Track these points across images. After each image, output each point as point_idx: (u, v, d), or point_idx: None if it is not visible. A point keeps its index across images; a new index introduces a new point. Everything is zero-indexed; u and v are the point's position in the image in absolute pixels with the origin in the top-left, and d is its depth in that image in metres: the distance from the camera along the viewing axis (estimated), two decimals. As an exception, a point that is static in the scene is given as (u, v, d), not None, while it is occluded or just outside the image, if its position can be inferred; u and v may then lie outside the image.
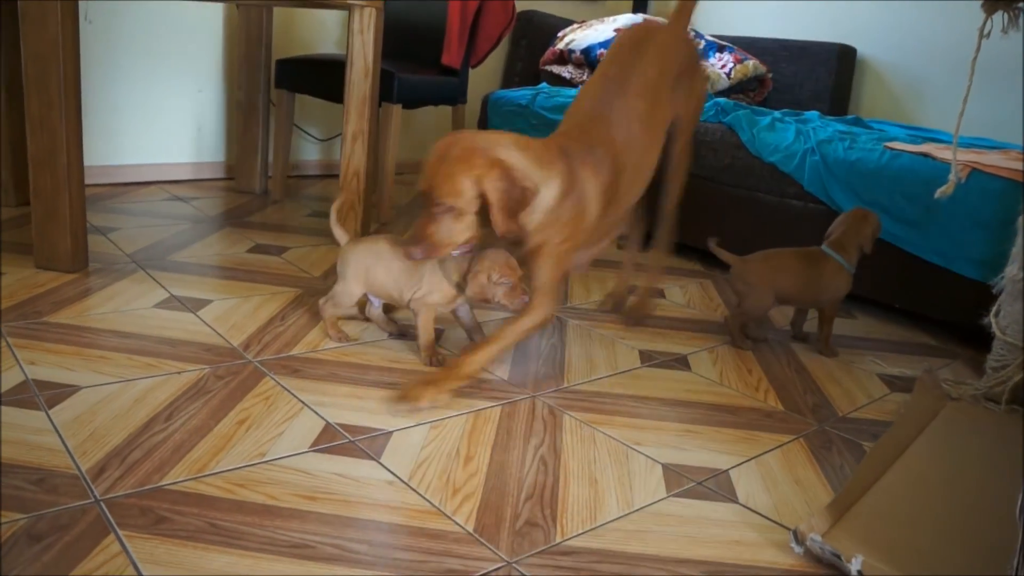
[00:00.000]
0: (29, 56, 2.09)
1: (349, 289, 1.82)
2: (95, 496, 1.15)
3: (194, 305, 1.99)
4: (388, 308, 1.97)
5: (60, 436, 1.30)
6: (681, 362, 1.94)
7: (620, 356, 1.94)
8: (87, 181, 2.48)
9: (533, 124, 3.28)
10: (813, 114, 3.14)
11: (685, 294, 2.51)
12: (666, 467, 1.44)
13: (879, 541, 1.24)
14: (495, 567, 1.11)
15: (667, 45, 1.91)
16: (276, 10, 3.38)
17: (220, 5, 3.37)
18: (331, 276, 2.16)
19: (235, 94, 3.33)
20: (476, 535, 1.18)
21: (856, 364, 2.05)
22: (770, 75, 3.79)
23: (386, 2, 3.20)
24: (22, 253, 2.26)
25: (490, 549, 1.15)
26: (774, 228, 2.62)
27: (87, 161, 2.62)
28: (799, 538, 1.23)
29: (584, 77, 3.78)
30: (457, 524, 1.21)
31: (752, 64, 3.70)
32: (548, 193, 1.64)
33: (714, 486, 1.39)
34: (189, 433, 1.36)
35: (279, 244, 2.60)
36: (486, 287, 1.69)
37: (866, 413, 1.77)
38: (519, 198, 1.57)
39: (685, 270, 2.78)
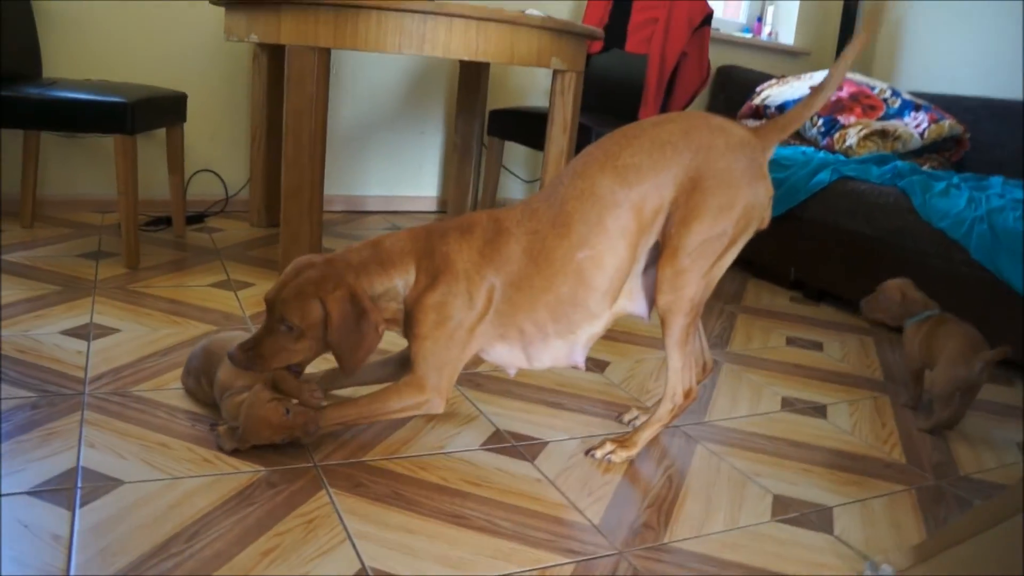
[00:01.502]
0: (290, 110, 2.59)
1: None
2: (317, 464, 1.55)
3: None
4: None
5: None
6: (819, 410, 2.15)
7: (762, 403, 2.17)
8: (325, 208, 2.97)
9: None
10: (997, 179, 3.19)
11: (843, 348, 2.68)
12: (777, 497, 1.68)
13: None
14: (608, 554, 1.41)
15: (705, 144, 1.63)
16: (493, 65, 3.81)
17: (445, 60, 3.84)
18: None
19: (452, 137, 3.79)
20: (598, 528, 1.49)
21: (998, 430, 2.16)
22: (967, 135, 3.81)
23: (589, 58, 3.56)
24: (269, 267, 2.78)
25: (608, 540, 1.45)
26: (942, 292, 2.73)
27: (327, 190, 3.13)
28: (874, 568, 1.44)
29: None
30: (586, 518, 1.52)
31: (948, 124, 3.75)
32: (404, 282, 1.65)
33: (815, 518, 1.62)
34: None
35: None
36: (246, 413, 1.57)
37: (989, 476, 1.90)
38: (360, 325, 1.57)
39: (848, 325, 2.94)
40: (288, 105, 2.59)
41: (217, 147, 3.60)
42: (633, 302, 1.74)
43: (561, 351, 1.71)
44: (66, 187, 3.43)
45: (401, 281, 1.66)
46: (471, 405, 1.94)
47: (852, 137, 3.59)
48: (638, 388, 2.15)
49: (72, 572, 1.24)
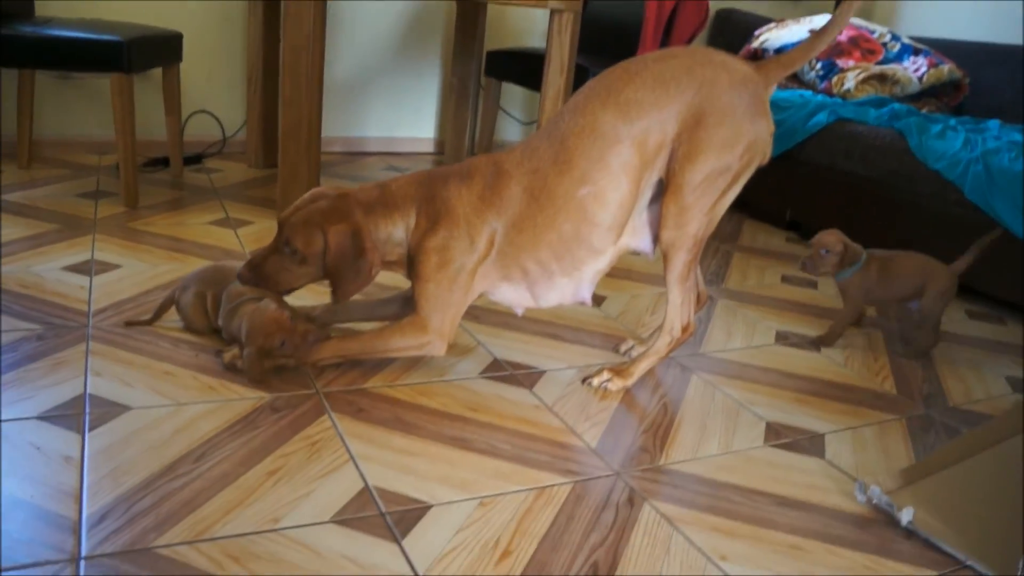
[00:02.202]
0: (287, 47, 2.57)
1: None
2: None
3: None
4: None
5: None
6: (813, 344, 2.18)
7: (757, 337, 2.20)
8: (324, 149, 2.97)
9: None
10: (993, 123, 3.20)
11: (836, 286, 2.70)
12: (769, 424, 1.71)
13: (940, 507, 1.44)
14: (606, 474, 1.45)
15: (706, 79, 1.62)
16: (490, 6, 3.79)
17: (442, 1, 3.81)
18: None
19: (449, 79, 3.77)
20: (596, 451, 1.53)
21: (988, 366, 2.20)
22: (967, 80, 3.81)
23: (587, 2, 3.54)
24: (267, 207, 2.80)
25: (605, 462, 1.49)
26: (935, 234, 2.76)
27: (326, 132, 3.12)
28: (863, 488, 1.48)
29: (777, 75, 3.95)
30: (583, 441, 1.55)
31: (947, 69, 3.74)
32: (406, 224, 1.67)
33: (807, 444, 1.66)
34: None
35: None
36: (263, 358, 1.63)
37: (978, 407, 1.94)
38: (357, 262, 1.62)
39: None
40: (285, 42, 2.58)
41: (213, 88, 3.58)
42: (637, 238, 1.75)
43: (567, 289, 1.73)
44: (63, 128, 3.42)
45: (403, 224, 1.68)
46: (470, 336, 1.97)
47: (850, 81, 3.58)
48: (634, 321, 2.18)
49: (84, 490, 1.27)
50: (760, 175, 2.74)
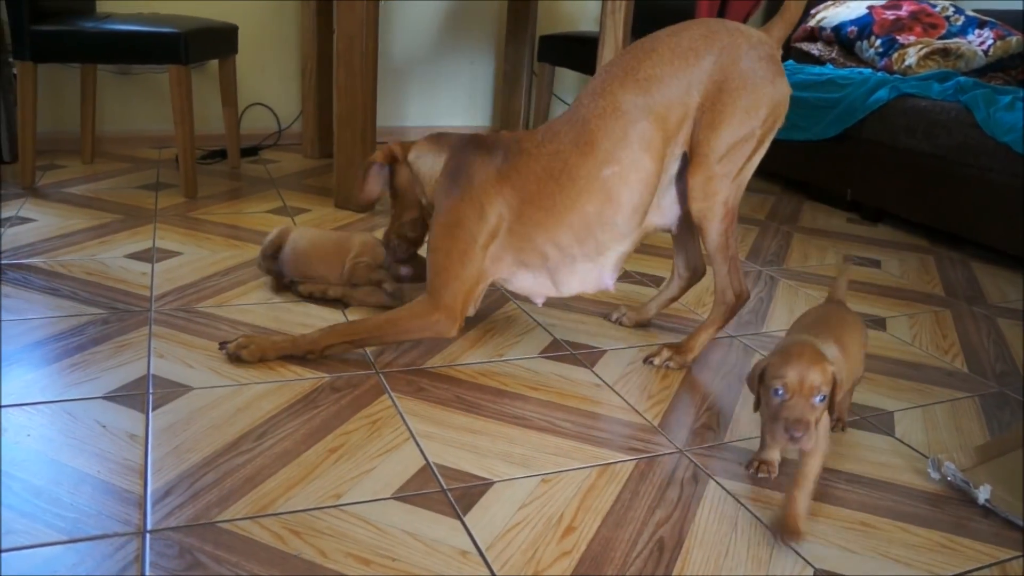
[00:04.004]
0: (341, 36, 2.58)
1: None
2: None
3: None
4: None
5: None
6: (879, 323, 2.12)
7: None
8: (379, 139, 2.97)
9: (774, 99, 3.44)
10: (1065, 95, 3.09)
11: (902, 266, 2.64)
12: (836, 402, 1.67)
13: (1019, 485, 1.39)
14: (669, 452, 1.43)
15: (724, 48, 1.60)
16: (544, -10, 3.76)
17: (496, -14, 3.80)
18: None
19: (503, 66, 3.76)
20: (659, 429, 1.50)
21: (1062, 342, 2.13)
22: (1036, 52, 3.69)
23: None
24: (323, 195, 2.81)
25: (668, 439, 1.47)
26: (1004, 210, 2.68)
27: (380, 121, 3.13)
28: (937, 465, 1.43)
29: (833, 55, 3.87)
30: (646, 419, 1.53)
31: (1015, 40, 3.62)
32: (435, 163, 1.73)
33: (876, 422, 1.61)
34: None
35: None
36: (359, 270, 1.93)
37: (1056, 384, 1.88)
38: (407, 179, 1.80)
39: (908, 244, 2.89)
40: (339, 32, 2.58)
41: (268, 80, 3.61)
42: (663, 216, 1.71)
43: (590, 274, 1.68)
44: (124, 123, 3.48)
45: (435, 158, 1.73)
46: (528, 317, 1.96)
47: (911, 57, 3.49)
48: (694, 301, 2.14)
49: (148, 467, 1.28)
50: (820, 155, 2.69)
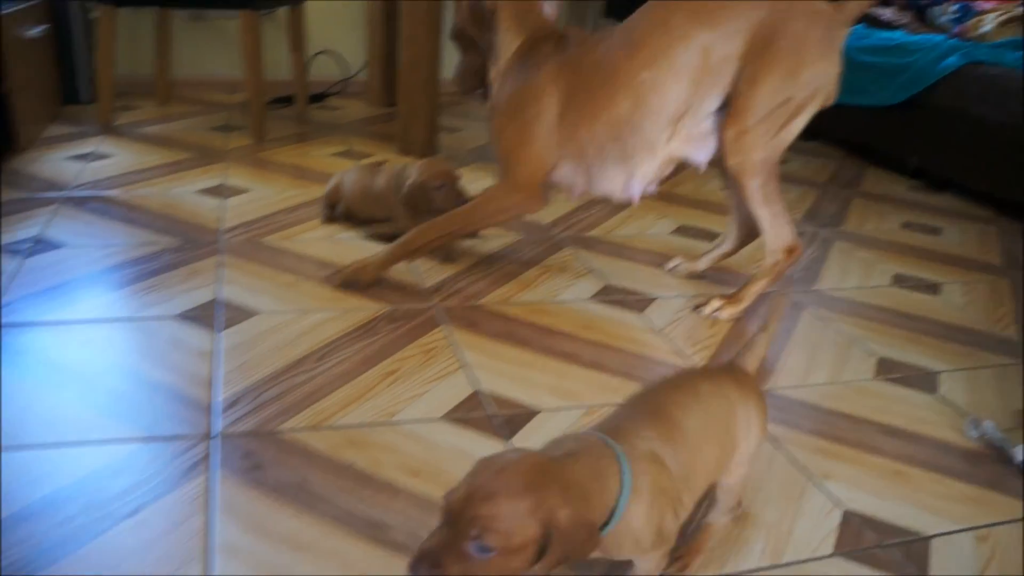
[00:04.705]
0: (410, -16, 2.63)
1: None
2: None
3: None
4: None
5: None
6: (932, 288, 2.13)
7: (873, 278, 2.16)
8: (444, 91, 3.02)
9: (843, 65, 3.41)
10: None
11: (962, 235, 2.62)
12: (882, 359, 1.70)
13: None
14: (712, 393, 1.47)
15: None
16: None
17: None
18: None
19: (567, 20, 3.77)
20: (703, 372, 1.55)
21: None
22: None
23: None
24: (387, 142, 2.88)
25: (711, 383, 1.51)
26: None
27: (445, 72, 3.18)
28: (975, 424, 1.45)
29: (904, 21, 3.80)
30: (692, 363, 1.57)
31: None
32: (510, 43, 1.80)
33: (919, 380, 1.63)
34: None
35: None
36: (421, 194, 1.90)
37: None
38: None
39: (970, 214, 2.86)
40: (408, -20, 2.63)
41: (336, 29, 3.68)
42: (691, 148, 1.74)
43: (618, 178, 1.75)
44: (196, 68, 3.58)
45: (510, 37, 1.79)
46: (582, 263, 2.01)
47: (989, 23, 3.42)
48: (747, 258, 2.16)
49: (217, 380, 1.37)
50: (885, 121, 2.68)
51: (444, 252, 1.94)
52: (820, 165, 3.26)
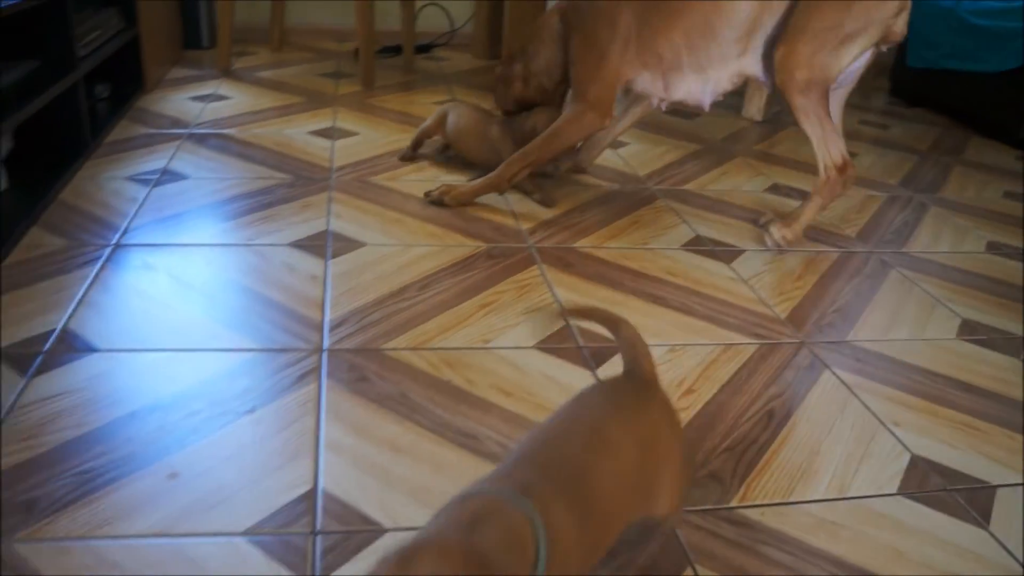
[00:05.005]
0: (521, -63, 2.69)
1: None
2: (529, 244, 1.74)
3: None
4: None
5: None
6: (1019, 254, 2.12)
7: (966, 244, 2.16)
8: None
9: (953, 27, 3.34)
10: None
11: (1065, 206, 2.57)
12: (965, 321, 1.72)
13: None
14: (792, 341, 1.53)
15: None
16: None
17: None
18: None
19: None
20: (785, 321, 1.60)
21: None
22: None
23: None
24: (490, 93, 2.94)
25: (792, 331, 1.56)
26: None
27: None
28: (1056, 383, 1.47)
29: (1024, -15, 3.68)
30: (774, 312, 1.63)
31: None
32: (551, 39, 2.00)
33: (1002, 343, 1.65)
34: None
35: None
36: (529, 131, 2.01)
37: None
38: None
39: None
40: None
41: (446, -18, 3.76)
42: (756, 65, 1.88)
43: (694, 85, 1.90)
44: (308, 16, 3.71)
45: (554, 44, 1.99)
46: (674, 215, 2.07)
47: (1111, -9, 3.30)
48: (840, 218, 2.19)
49: (327, 301, 1.48)
50: (994, 88, 2.65)
51: (543, 196, 2.03)
52: (922, 131, 3.21)
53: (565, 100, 2.10)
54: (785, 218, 1.93)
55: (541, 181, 2.12)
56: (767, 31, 1.83)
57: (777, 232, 1.90)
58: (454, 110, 2.19)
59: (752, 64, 1.87)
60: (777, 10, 1.81)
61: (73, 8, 2.01)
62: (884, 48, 1.84)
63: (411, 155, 2.26)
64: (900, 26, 1.79)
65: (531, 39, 2.05)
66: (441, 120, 2.21)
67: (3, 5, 1.59)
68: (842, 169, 1.86)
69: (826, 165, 1.86)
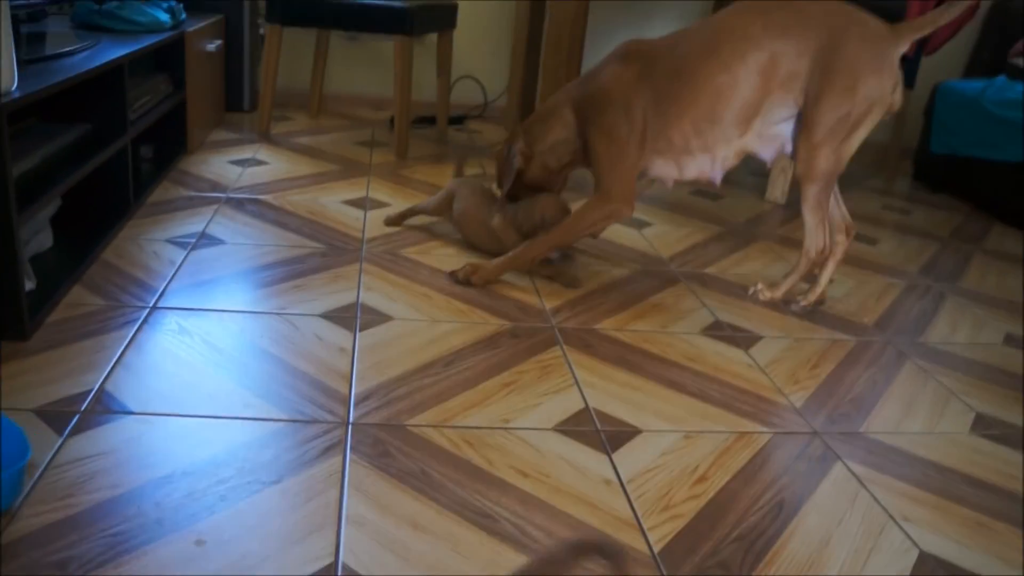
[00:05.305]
0: (553, 22, 2.79)
1: None
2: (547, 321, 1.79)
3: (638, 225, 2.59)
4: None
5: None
6: (1044, 351, 2.14)
7: (983, 335, 2.18)
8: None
9: (977, 117, 3.40)
10: None
11: (1085, 300, 2.59)
12: (980, 415, 1.74)
13: None
14: (805, 431, 1.56)
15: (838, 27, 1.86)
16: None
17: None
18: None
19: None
20: (799, 411, 1.63)
21: None
22: None
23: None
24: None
25: (806, 421, 1.60)
26: None
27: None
28: (1068, 483, 1.49)
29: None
30: (789, 401, 1.66)
31: None
32: (562, 126, 2.10)
33: (1015, 438, 1.66)
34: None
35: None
36: (539, 220, 2.05)
37: None
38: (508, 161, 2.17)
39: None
40: (551, 17, 2.79)
41: (479, 56, 3.88)
42: (762, 145, 2.00)
43: (704, 164, 2.00)
44: (346, 85, 3.83)
45: (562, 127, 2.07)
46: (695, 299, 2.11)
47: None
48: (858, 305, 2.22)
49: (353, 374, 1.53)
50: (1014, 178, 2.70)
51: (568, 278, 2.09)
52: (945, 218, 3.26)
53: (566, 183, 2.22)
54: (768, 284, 2.18)
55: (561, 265, 2.16)
56: (771, 118, 1.95)
57: (762, 295, 2.14)
58: (460, 192, 2.24)
59: (754, 143, 1.99)
60: (784, 98, 1.92)
61: (127, 75, 2.11)
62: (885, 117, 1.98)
63: (398, 222, 2.33)
64: (897, 99, 1.91)
65: (538, 121, 2.12)
66: (447, 201, 2.26)
67: (67, 76, 1.68)
68: (821, 252, 2.08)
69: (811, 249, 2.07)
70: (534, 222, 2.05)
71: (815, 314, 2.12)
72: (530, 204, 2.08)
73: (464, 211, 2.21)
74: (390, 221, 2.33)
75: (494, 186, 2.34)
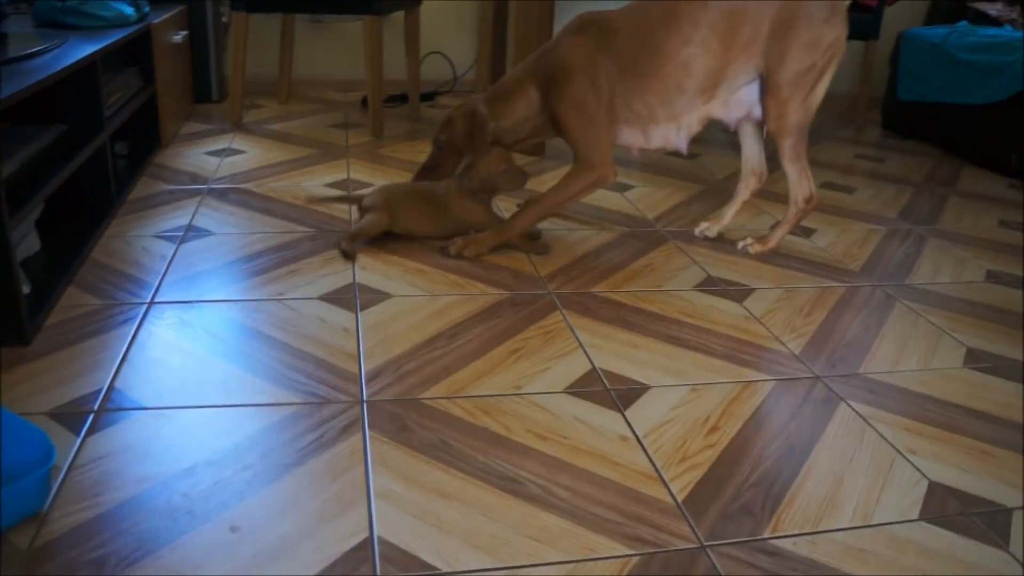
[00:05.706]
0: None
1: None
2: (550, 291, 1.81)
3: (619, 187, 2.61)
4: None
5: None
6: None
7: (966, 274, 2.23)
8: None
9: (942, 62, 3.45)
10: None
11: (1059, 232, 2.65)
12: (971, 349, 1.78)
13: None
14: (807, 376, 1.59)
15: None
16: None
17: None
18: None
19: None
20: (799, 357, 1.67)
21: None
22: None
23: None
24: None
25: (806, 366, 1.63)
26: None
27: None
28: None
29: (1013, 16, 3.80)
30: (788, 348, 1.70)
31: None
32: (526, 103, 2.08)
33: (1009, 370, 1.71)
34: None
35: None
36: (486, 178, 2.04)
37: None
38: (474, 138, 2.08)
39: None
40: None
41: (445, 31, 3.87)
42: (727, 111, 2.08)
43: (669, 133, 2.06)
44: (314, 68, 3.81)
45: (525, 102, 2.06)
46: (685, 256, 2.14)
47: (1092, 21, 3.41)
48: (843, 252, 2.26)
49: (361, 353, 1.55)
50: (985, 120, 2.75)
51: (536, 247, 2.11)
52: (917, 163, 3.31)
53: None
54: (758, 237, 2.23)
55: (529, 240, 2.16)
56: (735, 83, 2.02)
57: (752, 248, 2.20)
58: (394, 198, 2.08)
59: (717, 109, 2.06)
60: (745, 64, 1.99)
61: (101, 73, 2.09)
62: None
63: (353, 253, 2.00)
64: (845, 47, 2.01)
65: (500, 97, 2.07)
66: (384, 214, 2.06)
67: (43, 76, 1.66)
68: (808, 200, 2.13)
69: (798, 198, 2.13)
70: (484, 182, 2.05)
71: (804, 263, 2.15)
72: (474, 169, 2.04)
73: (411, 211, 2.08)
74: (349, 255, 2.00)
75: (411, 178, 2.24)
